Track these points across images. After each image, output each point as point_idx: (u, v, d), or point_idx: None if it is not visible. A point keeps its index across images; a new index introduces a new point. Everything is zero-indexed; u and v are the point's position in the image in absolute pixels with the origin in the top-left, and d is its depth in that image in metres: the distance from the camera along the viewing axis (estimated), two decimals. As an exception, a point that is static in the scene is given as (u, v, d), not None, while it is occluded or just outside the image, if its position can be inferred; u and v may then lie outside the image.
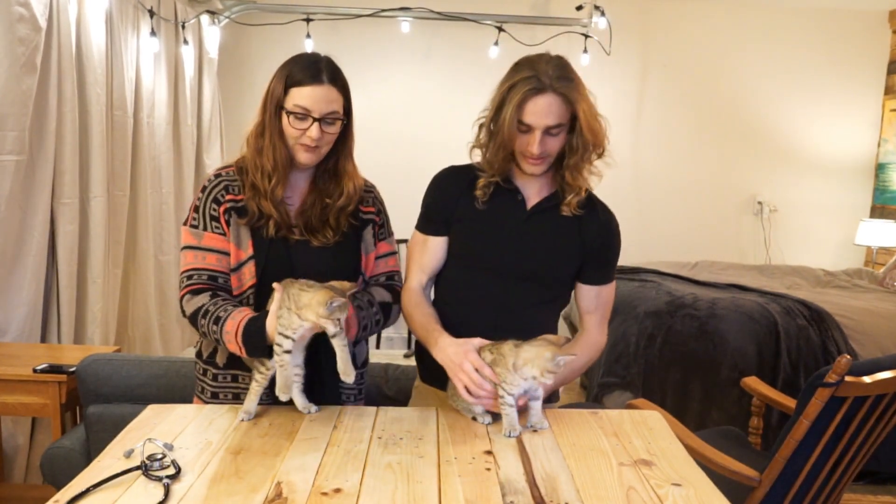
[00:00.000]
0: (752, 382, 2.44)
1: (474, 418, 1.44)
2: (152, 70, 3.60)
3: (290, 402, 1.43)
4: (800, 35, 4.97)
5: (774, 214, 5.15)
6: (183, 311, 1.48)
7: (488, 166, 1.57)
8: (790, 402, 2.24)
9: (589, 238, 1.57)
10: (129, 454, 1.21)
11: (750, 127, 5.09)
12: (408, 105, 4.99)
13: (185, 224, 1.52)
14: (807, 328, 3.08)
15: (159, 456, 1.19)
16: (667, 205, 5.14)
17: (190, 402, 1.62)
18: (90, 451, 2.00)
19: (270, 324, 1.35)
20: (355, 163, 1.58)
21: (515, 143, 1.50)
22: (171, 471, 1.15)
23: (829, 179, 5.13)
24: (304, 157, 1.48)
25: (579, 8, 4.58)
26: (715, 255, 5.05)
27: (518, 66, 1.49)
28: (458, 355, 1.41)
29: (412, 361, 1.84)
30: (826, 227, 5.18)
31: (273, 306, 1.36)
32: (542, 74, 1.43)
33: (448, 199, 1.62)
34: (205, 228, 1.49)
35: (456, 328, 1.51)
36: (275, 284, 1.37)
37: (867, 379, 1.70)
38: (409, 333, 5.00)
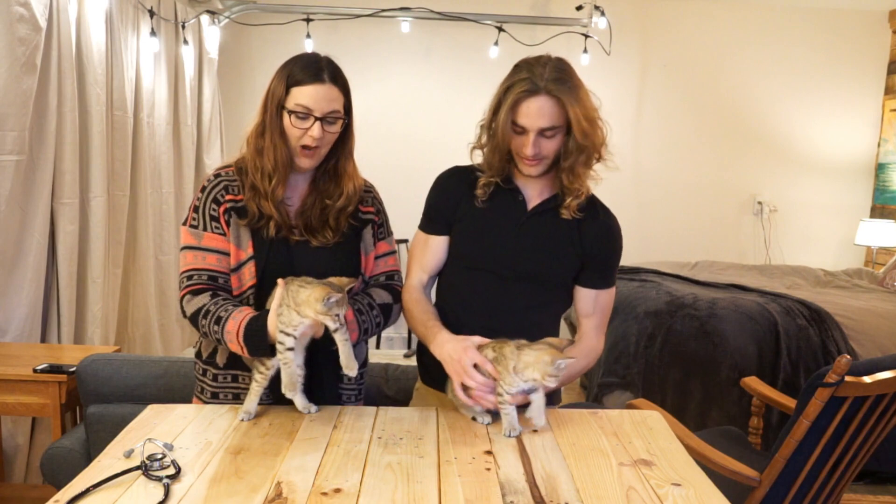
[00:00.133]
0: (752, 382, 2.44)
1: (474, 418, 1.44)
2: (152, 70, 3.60)
3: (290, 402, 1.44)
4: (800, 35, 4.97)
5: (774, 214, 5.15)
6: (183, 312, 1.48)
7: (487, 167, 1.58)
8: (790, 402, 2.24)
9: (588, 241, 1.57)
10: (129, 454, 1.21)
11: (750, 127, 5.09)
12: (408, 105, 4.99)
13: (184, 224, 1.51)
14: (807, 328, 3.08)
15: (159, 456, 1.19)
16: (667, 205, 5.14)
17: (190, 402, 1.62)
18: (90, 451, 2.00)
19: (272, 322, 1.35)
20: (355, 163, 1.58)
21: (512, 145, 1.51)
22: (171, 471, 1.15)
23: (829, 179, 5.13)
24: (304, 162, 1.48)
25: (579, 8, 4.58)
26: (715, 255, 5.05)
27: (517, 67, 1.49)
28: (458, 351, 1.41)
29: (412, 361, 1.85)
30: (826, 227, 5.18)
31: (274, 304, 1.37)
32: (538, 76, 1.43)
33: (449, 199, 1.63)
34: (205, 229, 1.49)
35: (455, 329, 1.51)
36: (279, 280, 1.38)
37: (867, 379, 1.70)
38: (409, 333, 5.00)
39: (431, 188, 1.67)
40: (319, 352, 1.43)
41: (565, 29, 4.69)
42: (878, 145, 5.06)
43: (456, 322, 1.55)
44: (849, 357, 1.68)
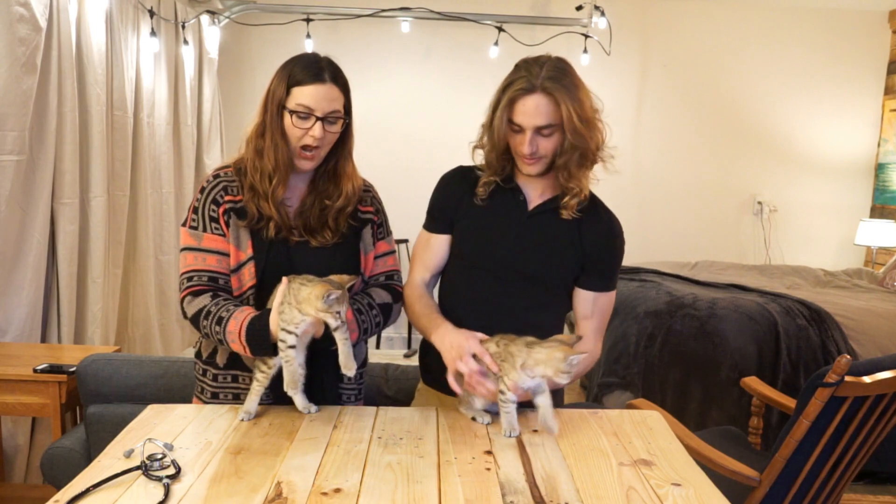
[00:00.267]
0: (752, 382, 2.44)
1: (474, 418, 1.44)
2: (152, 70, 3.61)
3: (291, 402, 1.44)
4: (800, 35, 4.97)
5: (774, 214, 5.15)
6: (184, 313, 1.48)
7: (487, 166, 1.59)
8: (790, 402, 2.24)
9: (588, 243, 1.56)
10: (129, 454, 1.21)
11: (750, 127, 5.09)
12: (408, 105, 4.99)
13: (183, 225, 1.51)
14: (807, 328, 3.08)
15: (159, 456, 1.19)
16: (667, 205, 5.15)
17: (190, 402, 1.62)
18: (90, 451, 2.00)
19: (273, 321, 1.36)
20: (354, 163, 1.58)
21: (510, 144, 1.52)
22: (171, 471, 1.15)
23: (829, 179, 5.13)
24: (304, 164, 1.49)
25: (579, 8, 4.58)
26: (715, 255, 5.05)
27: (516, 66, 1.50)
28: (459, 339, 1.42)
29: (412, 361, 1.85)
30: (826, 227, 5.18)
31: (275, 303, 1.37)
32: (534, 75, 1.44)
33: (451, 198, 1.64)
34: (204, 230, 1.49)
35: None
36: (283, 279, 1.38)
37: (867, 379, 1.70)
38: (410, 333, 5.01)
39: (435, 187, 1.68)
40: (319, 352, 1.43)
41: (565, 29, 4.69)
42: (878, 145, 5.06)
43: (456, 322, 1.54)
44: (849, 357, 1.68)
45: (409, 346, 4.95)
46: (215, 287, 1.47)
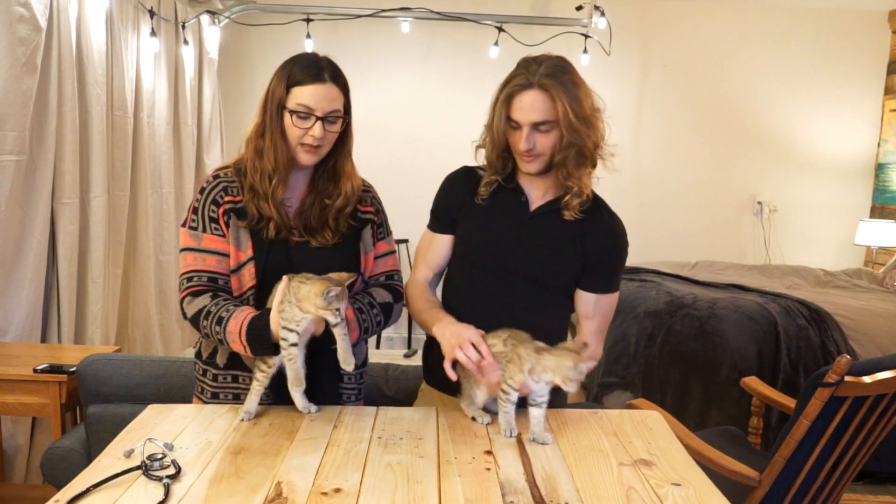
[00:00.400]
0: (752, 382, 2.44)
1: (474, 418, 1.44)
2: (152, 70, 3.61)
3: (291, 402, 1.44)
4: (800, 35, 4.97)
5: (774, 214, 5.15)
6: (184, 314, 1.48)
7: (489, 165, 1.60)
8: (790, 402, 2.24)
9: (590, 244, 1.56)
10: (129, 454, 1.21)
11: (750, 127, 5.09)
12: (408, 105, 4.99)
13: (183, 226, 1.51)
14: (806, 328, 3.08)
15: (159, 456, 1.19)
16: (667, 205, 5.15)
17: (190, 402, 1.62)
18: (90, 451, 2.00)
19: (273, 320, 1.36)
20: (354, 163, 1.58)
21: (509, 141, 1.52)
22: (172, 471, 1.15)
23: (828, 179, 5.13)
24: (305, 158, 1.48)
25: (579, 8, 4.58)
26: (715, 255, 5.05)
27: (517, 65, 1.51)
28: (460, 328, 1.43)
29: (412, 361, 1.85)
30: (826, 227, 5.18)
31: (275, 301, 1.37)
32: (532, 73, 1.45)
33: (454, 198, 1.64)
34: (204, 230, 1.49)
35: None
36: (284, 277, 1.39)
37: (867, 379, 1.70)
38: (410, 333, 5.01)
39: (439, 187, 1.69)
40: (319, 351, 1.44)
41: (565, 29, 4.69)
42: (878, 145, 5.06)
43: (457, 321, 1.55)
44: (848, 357, 1.68)
45: (409, 346, 4.95)
46: (215, 287, 1.47)
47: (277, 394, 1.46)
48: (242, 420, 1.39)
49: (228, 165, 1.54)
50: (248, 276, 1.48)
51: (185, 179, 4.07)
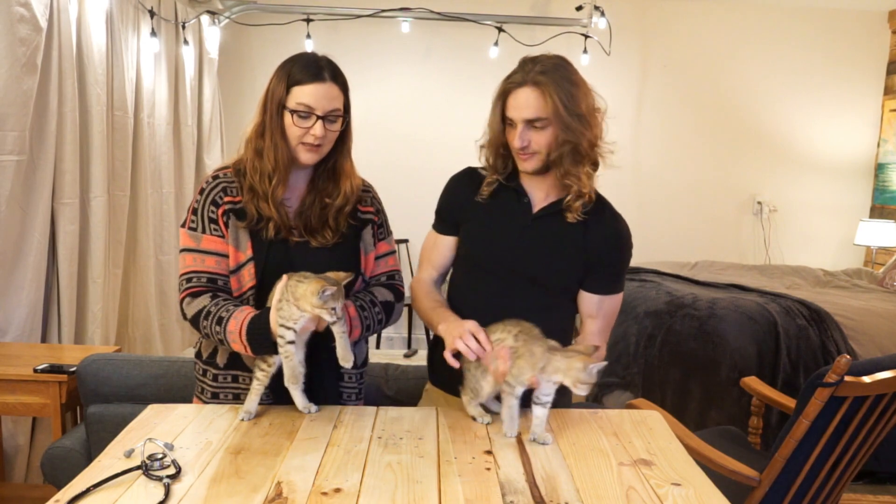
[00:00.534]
0: (752, 382, 2.44)
1: (474, 418, 1.44)
2: (153, 70, 3.61)
3: (291, 402, 1.44)
4: (800, 35, 4.97)
5: (774, 214, 5.15)
6: (184, 314, 1.48)
7: (487, 164, 1.61)
8: (790, 402, 2.24)
9: (594, 246, 1.55)
10: (129, 454, 1.21)
11: (750, 127, 5.09)
12: (407, 105, 4.99)
13: (183, 226, 1.51)
14: (806, 328, 3.08)
15: (159, 456, 1.19)
16: (667, 205, 5.15)
17: (190, 402, 1.62)
18: (90, 451, 2.01)
19: (273, 318, 1.36)
20: (353, 162, 1.59)
21: (508, 140, 1.53)
22: (172, 470, 1.15)
23: (828, 179, 5.13)
24: (306, 156, 1.48)
25: (579, 8, 4.58)
26: (715, 255, 5.05)
27: (517, 65, 1.51)
28: (460, 321, 1.44)
29: (412, 361, 1.85)
30: (826, 227, 5.18)
31: (274, 300, 1.38)
32: (527, 71, 1.46)
33: (457, 199, 1.65)
34: (203, 231, 1.49)
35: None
36: (284, 276, 1.39)
37: (867, 379, 1.70)
38: (410, 333, 5.01)
39: (443, 188, 1.70)
40: (320, 350, 1.44)
41: (565, 29, 4.70)
42: (878, 145, 5.06)
43: None
44: (848, 357, 1.68)
45: (409, 346, 4.95)
46: (214, 288, 1.48)
47: (277, 394, 1.46)
48: (242, 420, 1.39)
49: (228, 166, 1.54)
50: (248, 277, 1.48)
51: (185, 179, 4.07)
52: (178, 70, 3.92)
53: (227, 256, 1.49)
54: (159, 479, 1.13)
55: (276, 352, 1.38)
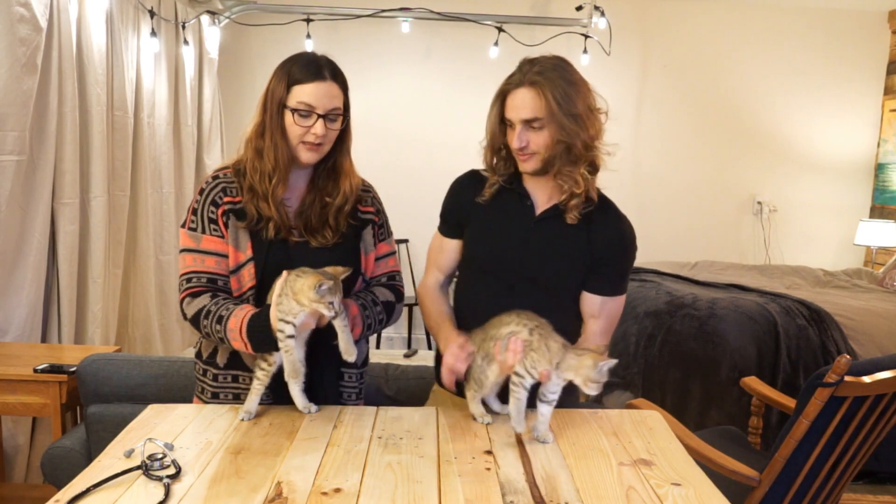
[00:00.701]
0: (752, 382, 2.44)
1: (474, 418, 1.44)
2: (153, 70, 3.61)
3: (291, 402, 1.44)
4: (800, 35, 4.97)
5: (774, 214, 5.15)
6: (184, 314, 1.48)
7: (487, 165, 1.61)
8: (790, 402, 2.24)
9: (597, 247, 1.55)
10: (129, 454, 1.21)
11: (750, 127, 5.09)
12: (407, 105, 4.99)
13: (182, 226, 1.51)
14: (806, 328, 3.08)
15: (159, 456, 1.19)
16: (667, 205, 5.15)
17: (190, 402, 1.62)
18: (90, 451, 2.01)
19: (273, 313, 1.36)
20: (353, 161, 1.59)
21: (507, 141, 1.53)
22: (172, 470, 1.15)
23: (828, 179, 5.13)
24: (307, 155, 1.48)
25: (579, 8, 4.58)
26: (715, 255, 5.05)
27: (517, 65, 1.51)
28: (450, 346, 1.47)
29: (412, 361, 1.85)
30: (826, 227, 5.18)
31: (274, 296, 1.38)
32: (525, 71, 1.46)
33: (461, 202, 1.65)
34: (203, 231, 1.49)
35: (464, 331, 1.52)
36: (284, 272, 1.39)
37: (867, 379, 1.70)
38: (409, 333, 5.01)
39: (447, 191, 1.70)
40: (320, 348, 1.44)
41: (565, 29, 4.70)
42: (878, 145, 5.06)
43: (465, 325, 1.55)
44: (848, 357, 1.68)
45: (409, 346, 4.95)
46: (214, 288, 1.48)
47: (277, 394, 1.46)
48: (242, 420, 1.39)
49: (227, 166, 1.54)
50: (248, 277, 1.48)
51: (185, 179, 4.07)
52: (178, 70, 3.92)
53: (226, 256, 1.49)
54: (159, 479, 1.13)
55: (276, 349, 1.38)
